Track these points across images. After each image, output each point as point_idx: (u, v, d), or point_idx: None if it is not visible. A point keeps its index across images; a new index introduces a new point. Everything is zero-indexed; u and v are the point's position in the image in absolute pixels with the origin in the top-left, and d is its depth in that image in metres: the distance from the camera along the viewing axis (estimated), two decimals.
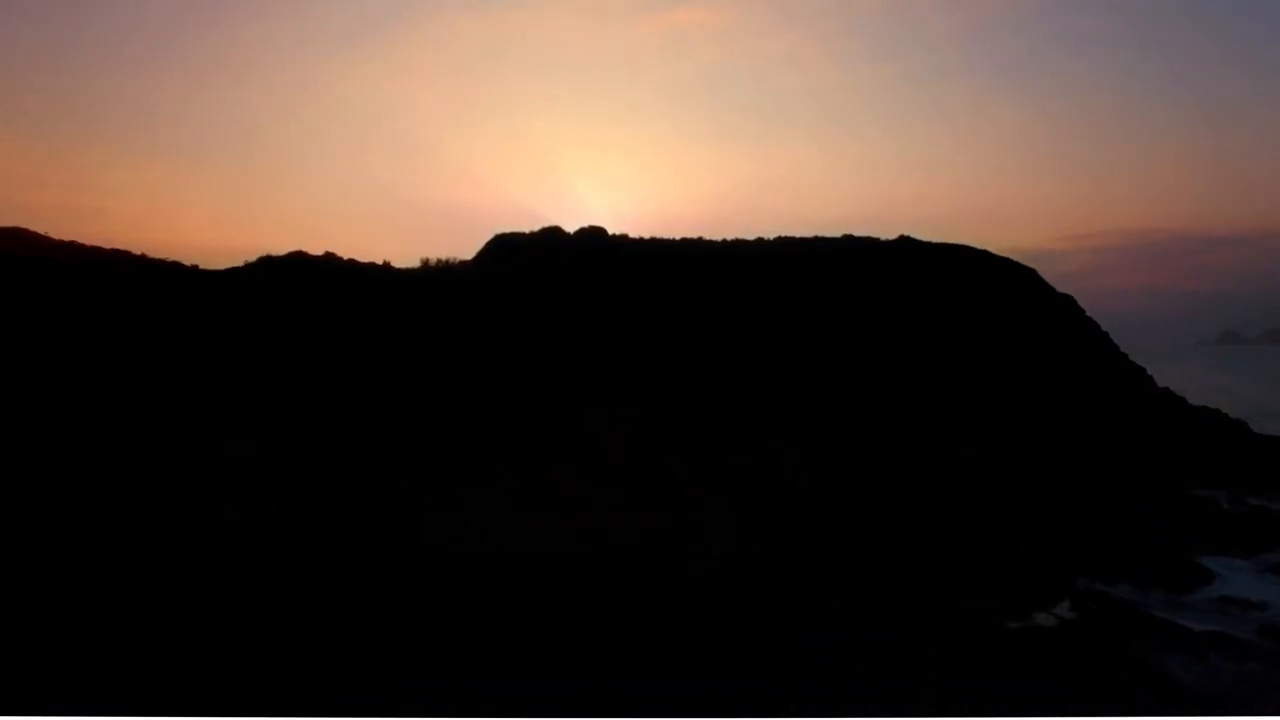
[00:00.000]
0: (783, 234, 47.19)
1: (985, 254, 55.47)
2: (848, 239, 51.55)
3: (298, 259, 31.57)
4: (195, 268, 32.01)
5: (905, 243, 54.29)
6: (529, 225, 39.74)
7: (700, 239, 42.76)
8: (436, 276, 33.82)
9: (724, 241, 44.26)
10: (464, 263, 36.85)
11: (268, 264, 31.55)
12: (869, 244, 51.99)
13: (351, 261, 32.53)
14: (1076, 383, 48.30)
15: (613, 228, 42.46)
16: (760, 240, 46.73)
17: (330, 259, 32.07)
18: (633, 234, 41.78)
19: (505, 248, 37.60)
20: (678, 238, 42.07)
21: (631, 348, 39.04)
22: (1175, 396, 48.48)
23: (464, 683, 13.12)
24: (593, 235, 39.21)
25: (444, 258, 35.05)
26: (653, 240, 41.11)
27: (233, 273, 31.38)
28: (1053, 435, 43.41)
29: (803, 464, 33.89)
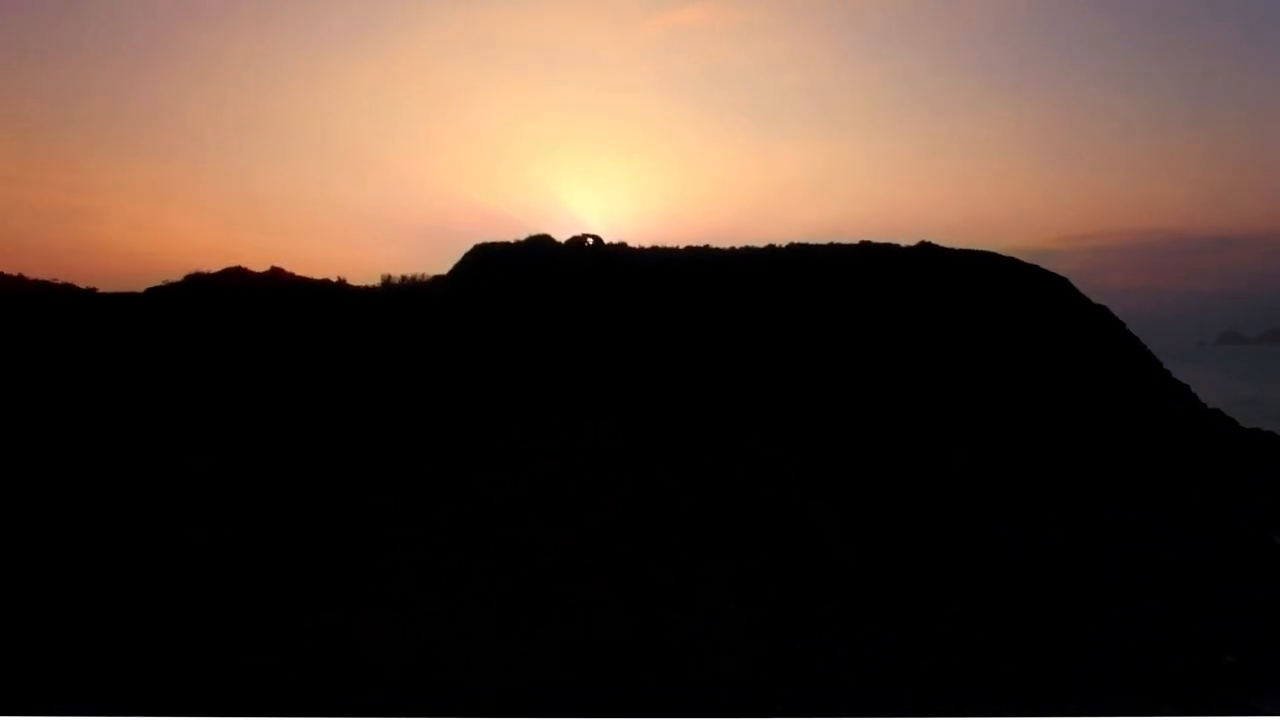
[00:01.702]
0: (789, 239, 43.22)
1: (1012, 261, 51.68)
2: (865, 245, 47.57)
3: (235, 273, 27.64)
4: (93, 290, 28.32)
5: (926, 249, 50.51)
6: (515, 235, 35.84)
7: (707, 247, 38.59)
8: (407, 292, 29.77)
9: (732, 249, 40.00)
10: (439, 277, 32.74)
11: (197, 281, 27.58)
12: (887, 250, 48.10)
13: (299, 278, 28.48)
14: (1112, 402, 44.66)
15: (611, 236, 38.87)
16: (772, 247, 42.47)
17: (276, 274, 28.06)
18: (632, 242, 37.82)
19: (487, 259, 33.46)
20: (682, 246, 38.01)
21: (634, 364, 35.32)
22: (1225, 418, 44.65)
23: (438, 694, 12.32)
24: (586, 244, 35.12)
25: (410, 274, 31.15)
26: (654, 249, 37.02)
27: (156, 292, 27.56)
28: (1089, 462, 39.88)
29: (800, 474, 31.29)
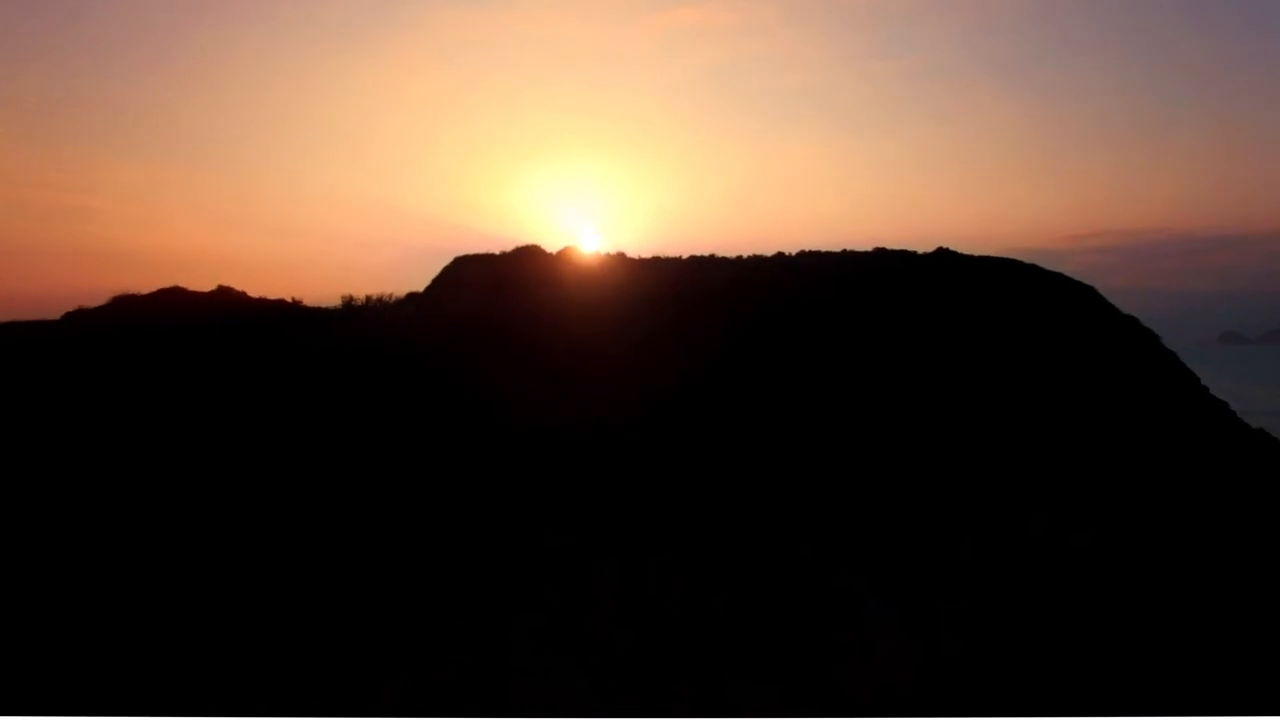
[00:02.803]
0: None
1: (1034, 268, 48.89)
2: (879, 252, 44.70)
3: (172, 293, 24.56)
4: None
5: (943, 256, 47.70)
6: (506, 245, 32.66)
7: (712, 256, 35.55)
8: (371, 312, 26.67)
9: (739, 258, 37.01)
10: (414, 294, 29.65)
11: (124, 303, 24.51)
12: (904, 258, 45.25)
13: (251, 299, 25.36)
14: (1149, 426, 41.75)
15: (609, 240, 36.20)
16: (780, 255, 39.62)
17: (223, 294, 24.95)
18: (631, 252, 34.66)
19: (466, 273, 30.27)
20: (685, 256, 34.90)
21: (625, 388, 32.30)
22: (1270, 438, 41.65)
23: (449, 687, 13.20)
24: (579, 255, 31.98)
25: (377, 294, 28.01)
26: (655, 259, 33.91)
27: (75, 316, 24.49)
28: (1129, 494, 36.97)
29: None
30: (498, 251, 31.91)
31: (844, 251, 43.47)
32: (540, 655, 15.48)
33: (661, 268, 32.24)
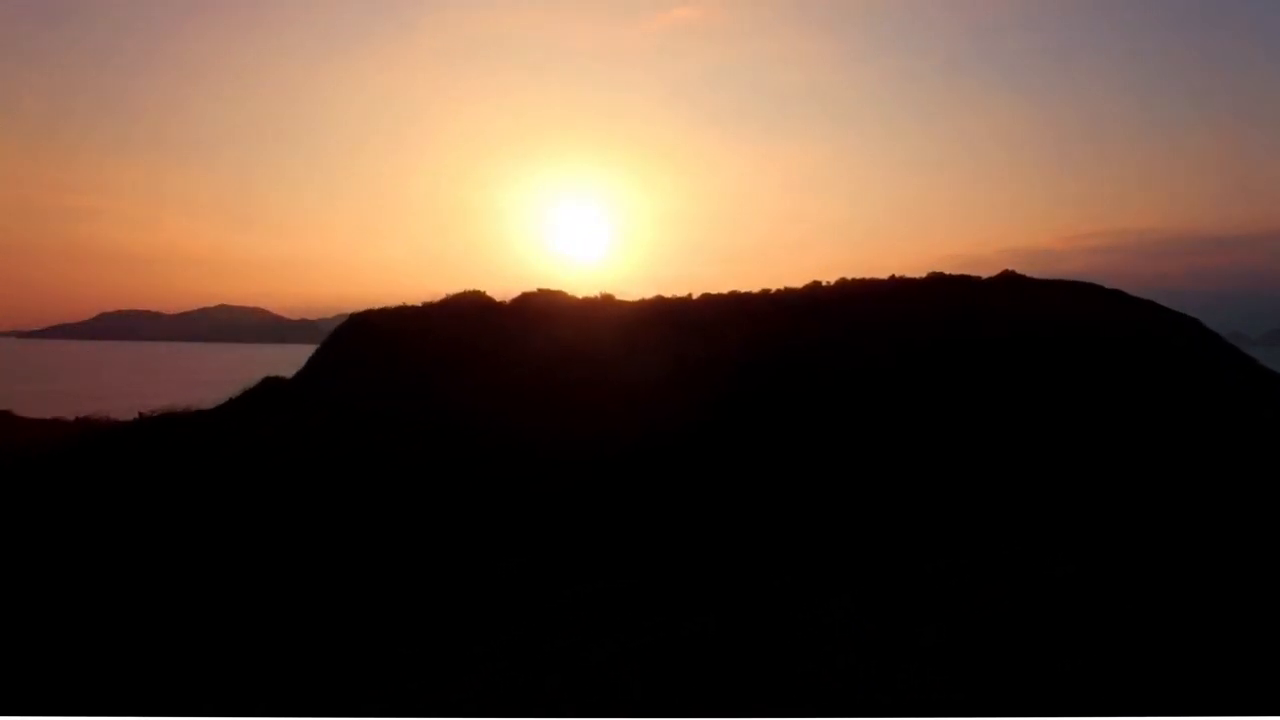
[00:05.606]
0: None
1: (1119, 294, 40.19)
2: (935, 277, 35.97)
3: None
4: None
5: (1011, 280, 39.03)
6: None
7: (733, 293, 26.15)
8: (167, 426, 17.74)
9: (765, 292, 27.66)
10: (270, 381, 20.10)
11: None
12: (966, 284, 36.57)
13: None
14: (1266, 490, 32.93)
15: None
16: (816, 284, 30.65)
17: None
18: (620, 293, 25.05)
19: (362, 340, 20.04)
20: (695, 295, 25.44)
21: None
22: None
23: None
24: (545, 303, 21.97)
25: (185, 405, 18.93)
26: (656, 300, 24.22)
27: None
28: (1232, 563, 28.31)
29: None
30: (420, 302, 21.56)
31: (893, 277, 34.71)
32: (511, 670, 13.53)
33: (662, 323, 22.42)
